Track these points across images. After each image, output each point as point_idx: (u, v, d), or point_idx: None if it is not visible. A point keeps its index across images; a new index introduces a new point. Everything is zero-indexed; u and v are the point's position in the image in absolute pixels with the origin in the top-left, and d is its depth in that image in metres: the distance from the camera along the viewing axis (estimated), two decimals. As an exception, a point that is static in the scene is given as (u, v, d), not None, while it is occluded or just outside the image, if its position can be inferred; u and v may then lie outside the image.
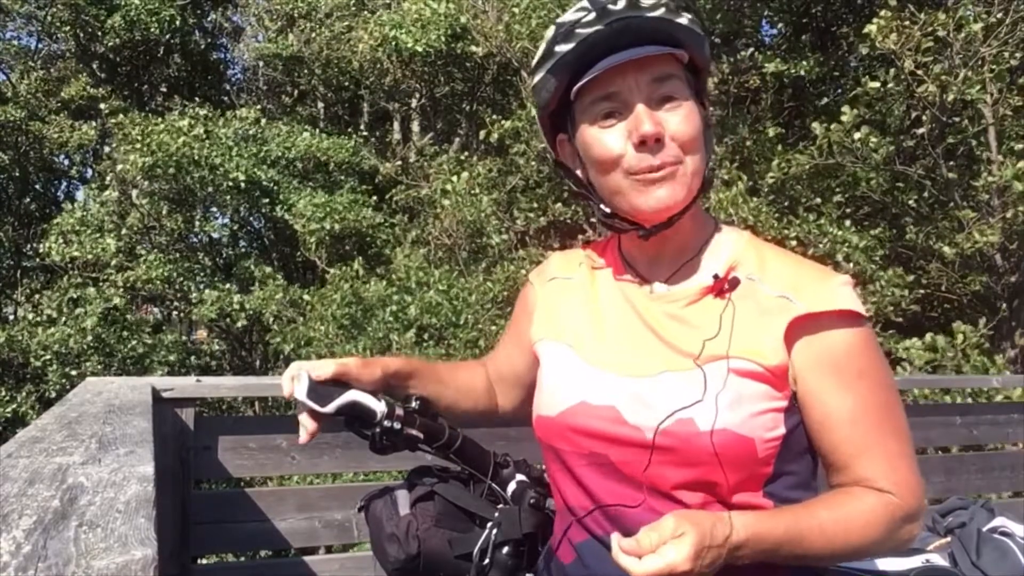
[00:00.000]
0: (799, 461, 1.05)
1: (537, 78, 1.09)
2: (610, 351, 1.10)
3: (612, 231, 1.16)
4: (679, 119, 1.03)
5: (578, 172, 1.13)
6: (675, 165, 1.03)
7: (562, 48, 1.03)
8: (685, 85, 1.05)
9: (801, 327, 1.01)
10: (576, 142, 1.10)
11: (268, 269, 9.64)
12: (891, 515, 0.99)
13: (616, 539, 0.88)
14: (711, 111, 1.15)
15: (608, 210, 1.09)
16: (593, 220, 7.56)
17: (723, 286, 1.05)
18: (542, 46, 1.07)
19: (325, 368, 1.14)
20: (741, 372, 1.00)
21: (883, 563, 1.97)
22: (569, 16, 1.04)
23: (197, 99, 11.64)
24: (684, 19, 1.03)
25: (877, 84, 5.55)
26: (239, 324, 9.46)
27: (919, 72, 5.40)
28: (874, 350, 1.04)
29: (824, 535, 0.96)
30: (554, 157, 1.18)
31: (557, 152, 1.17)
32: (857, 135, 5.49)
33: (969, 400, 4.27)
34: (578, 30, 1.01)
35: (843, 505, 0.99)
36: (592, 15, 1.01)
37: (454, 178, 8.09)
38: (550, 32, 1.06)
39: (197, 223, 10.47)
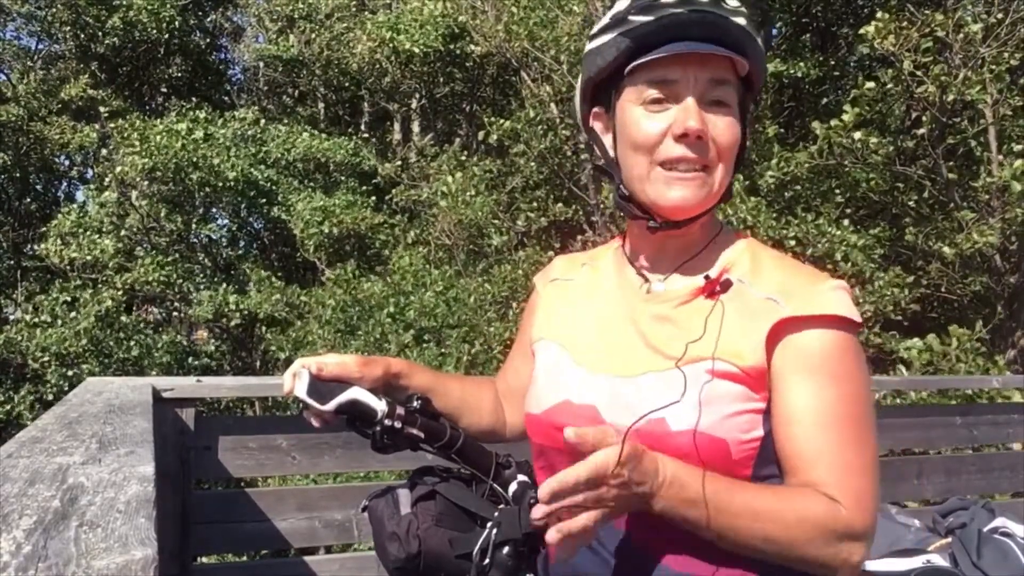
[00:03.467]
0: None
1: (599, 42, 1.07)
2: (597, 351, 1.11)
3: (624, 213, 1.16)
4: (724, 124, 1.03)
5: (608, 146, 1.12)
6: (705, 170, 1.03)
7: (638, 19, 1.02)
8: (735, 96, 1.05)
9: (784, 329, 1.00)
10: (615, 117, 1.09)
11: (264, 272, 9.63)
12: (831, 521, 0.93)
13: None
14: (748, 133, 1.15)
15: (626, 192, 1.09)
16: (594, 219, 7.56)
17: (714, 288, 1.05)
18: (612, 11, 1.06)
19: (328, 362, 1.14)
20: (720, 374, 0.99)
21: (883, 563, 1.98)
22: None
23: (195, 99, 11.63)
24: (759, 37, 1.05)
25: (873, 84, 5.55)
26: (234, 323, 9.47)
27: (918, 73, 5.40)
28: (853, 358, 1.01)
29: (751, 515, 0.91)
30: (583, 126, 1.17)
31: (588, 122, 1.16)
32: (857, 135, 5.49)
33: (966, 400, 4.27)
34: (658, 6, 1.00)
35: (785, 497, 0.95)
36: None
37: (448, 178, 8.10)
38: (625, 2, 1.05)
39: (195, 224, 10.47)
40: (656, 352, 1.05)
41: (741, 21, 1.01)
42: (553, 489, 0.87)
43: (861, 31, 5.59)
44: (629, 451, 0.88)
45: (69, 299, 9.12)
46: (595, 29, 1.09)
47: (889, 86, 5.92)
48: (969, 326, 5.13)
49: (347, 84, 12.17)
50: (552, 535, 0.89)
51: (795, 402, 0.99)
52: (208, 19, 13.84)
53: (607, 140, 1.12)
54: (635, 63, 1.02)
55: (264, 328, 9.01)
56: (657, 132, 1.02)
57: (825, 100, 8.31)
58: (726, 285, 1.05)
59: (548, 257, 6.86)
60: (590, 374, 1.09)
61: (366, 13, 11.02)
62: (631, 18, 1.03)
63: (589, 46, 1.10)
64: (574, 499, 0.88)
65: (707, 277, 1.07)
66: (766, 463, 1.01)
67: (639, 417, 0.97)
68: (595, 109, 1.14)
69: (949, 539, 2.09)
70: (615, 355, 1.08)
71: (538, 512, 0.90)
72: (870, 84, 5.53)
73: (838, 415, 0.98)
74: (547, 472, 1.12)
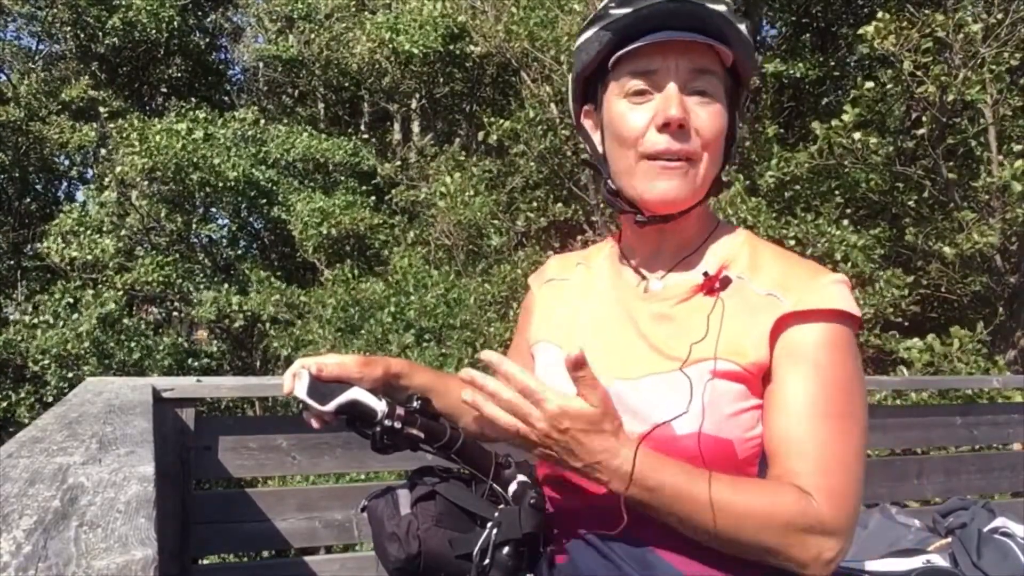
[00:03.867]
0: None
1: (583, 38, 1.08)
2: (597, 352, 1.09)
3: (613, 209, 1.16)
4: (707, 114, 1.02)
5: (597, 142, 1.12)
6: (689, 161, 1.02)
7: (617, 12, 1.02)
8: (721, 86, 1.05)
9: (785, 324, 1.00)
10: (602, 112, 1.09)
11: (264, 273, 9.62)
12: (799, 515, 0.90)
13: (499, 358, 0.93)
14: (741, 126, 1.14)
15: (614, 187, 1.09)
16: (594, 219, 7.56)
17: (714, 285, 1.05)
18: (598, 8, 1.07)
19: (328, 362, 1.14)
20: (721, 373, 0.99)
21: (883, 563, 1.98)
22: None
23: (194, 99, 11.63)
24: (742, 25, 1.04)
25: (872, 84, 5.55)
26: (236, 324, 9.47)
27: (918, 73, 5.40)
28: (843, 350, 1.00)
29: (715, 506, 0.90)
30: (575, 123, 1.18)
31: (579, 119, 1.16)
32: (857, 135, 5.49)
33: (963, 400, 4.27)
34: None
35: (749, 489, 0.92)
36: None
37: (447, 179, 8.10)
38: None
39: (195, 224, 10.47)
40: (658, 352, 1.04)
41: (720, 8, 1.01)
42: (490, 358, 0.92)
43: (860, 31, 5.59)
44: (588, 415, 0.90)
45: (72, 300, 9.12)
46: (583, 26, 1.10)
47: (889, 86, 5.92)
48: (970, 327, 5.13)
49: (347, 84, 12.17)
50: (467, 393, 0.93)
51: (781, 390, 0.98)
52: (208, 19, 13.84)
53: (596, 136, 1.13)
54: (616, 55, 1.03)
55: (267, 325, 9.01)
56: (641, 124, 1.02)
57: (825, 100, 8.32)
58: (725, 282, 1.05)
59: (547, 257, 6.84)
60: None
61: (366, 13, 11.01)
62: (611, 11, 1.03)
63: (576, 43, 1.11)
64: (496, 389, 0.91)
65: (705, 274, 1.06)
66: None
67: (652, 427, 0.97)
68: (585, 107, 1.14)
69: (949, 539, 2.09)
70: (615, 356, 1.08)
71: (464, 373, 0.94)
72: (869, 84, 5.53)
73: (820, 405, 0.97)
74: (550, 478, 1.12)
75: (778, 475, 0.95)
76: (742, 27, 1.03)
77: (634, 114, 1.03)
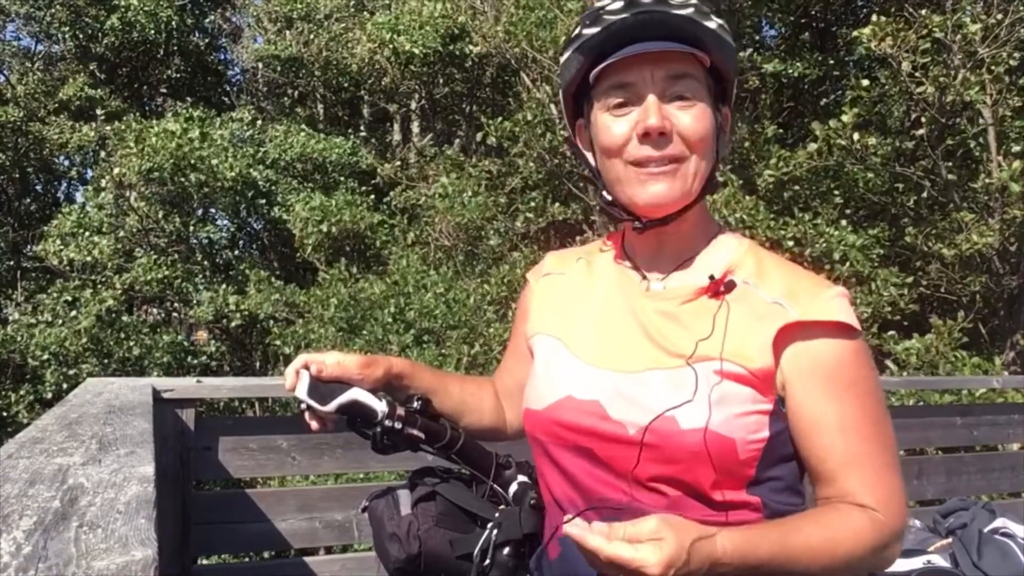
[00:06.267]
0: (784, 466, 1.05)
1: (563, 57, 1.11)
2: (598, 346, 1.11)
3: (610, 219, 1.18)
4: (689, 117, 1.04)
5: (589, 156, 1.14)
6: (678, 161, 1.04)
7: (588, 31, 1.05)
8: (702, 87, 1.06)
9: (791, 334, 1.01)
10: (590, 126, 1.12)
11: (263, 273, 9.60)
12: (878, 533, 0.98)
13: (585, 525, 0.85)
14: (730, 121, 1.15)
15: (609, 197, 1.11)
16: (593, 219, 7.57)
17: (719, 288, 1.06)
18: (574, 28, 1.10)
19: (328, 363, 1.15)
20: (728, 374, 1.00)
21: (884, 563, 1.97)
22: (600, 1, 1.06)
23: (190, 99, 11.64)
24: (712, 23, 1.04)
25: (868, 83, 5.55)
26: (234, 323, 9.46)
27: (917, 74, 5.40)
28: (865, 362, 1.04)
29: (810, 552, 0.95)
30: (571, 139, 1.21)
31: (575, 134, 1.19)
32: (856, 136, 5.48)
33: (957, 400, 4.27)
34: (605, 16, 1.03)
35: (831, 522, 0.98)
36: (620, 3, 1.03)
37: (443, 179, 8.11)
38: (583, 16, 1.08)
39: (193, 225, 10.46)
40: (661, 349, 1.05)
41: (687, 12, 1.02)
42: (575, 537, 0.84)
43: (855, 32, 5.58)
44: (674, 554, 0.82)
45: (70, 299, 9.11)
46: (563, 43, 1.13)
47: (887, 86, 5.92)
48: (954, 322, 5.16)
49: (346, 85, 12.17)
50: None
51: (819, 412, 1.01)
52: (207, 19, 13.84)
53: (589, 152, 1.15)
54: (594, 73, 1.06)
55: (271, 323, 8.99)
56: (623, 134, 1.05)
57: (824, 100, 8.31)
58: (730, 286, 1.06)
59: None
60: (590, 368, 1.09)
61: (364, 14, 11.01)
62: (583, 32, 1.06)
63: (561, 60, 1.13)
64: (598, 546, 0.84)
65: (711, 277, 1.07)
66: (771, 464, 1.02)
67: (656, 415, 0.99)
68: (579, 121, 1.16)
69: (950, 539, 2.09)
70: (616, 350, 1.08)
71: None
72: (865, 82, 5.53)
73: (862, 420, 1.01)
74: (548, 467, 1.12)
75: (837, 495, 1.01)
76: (712, 25, 1.04)
77: (617, 125, 1.06)
